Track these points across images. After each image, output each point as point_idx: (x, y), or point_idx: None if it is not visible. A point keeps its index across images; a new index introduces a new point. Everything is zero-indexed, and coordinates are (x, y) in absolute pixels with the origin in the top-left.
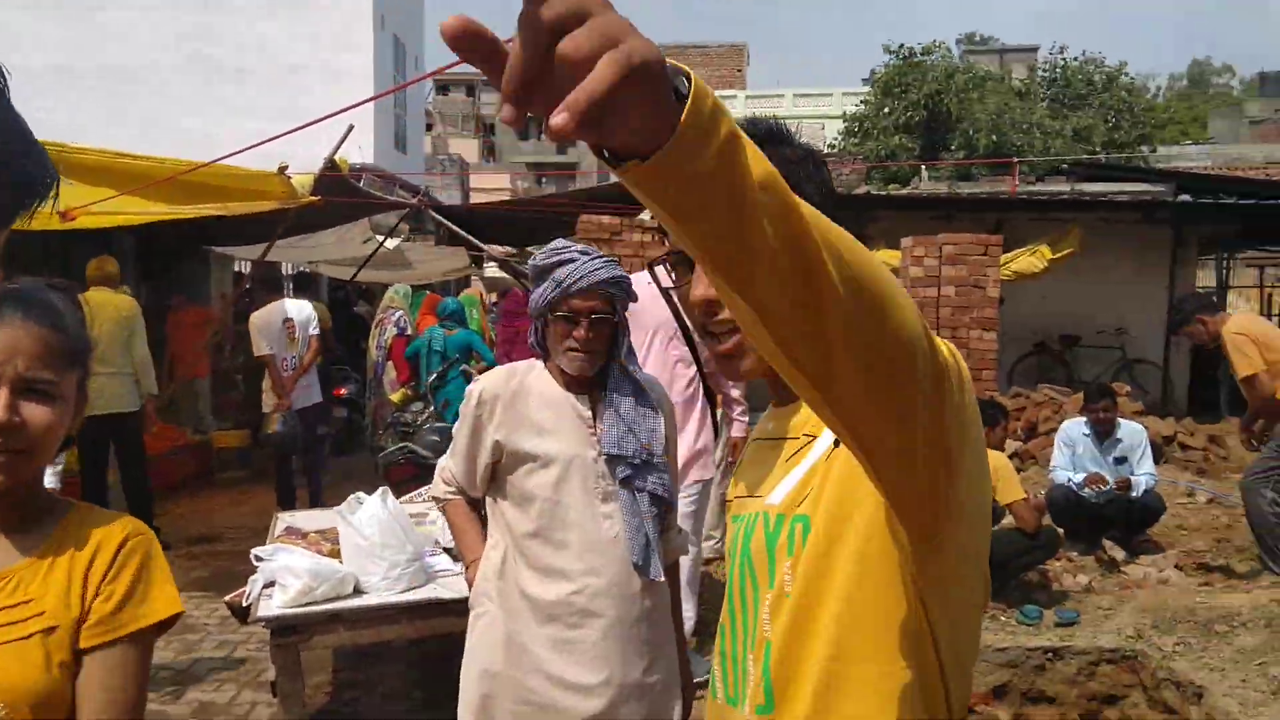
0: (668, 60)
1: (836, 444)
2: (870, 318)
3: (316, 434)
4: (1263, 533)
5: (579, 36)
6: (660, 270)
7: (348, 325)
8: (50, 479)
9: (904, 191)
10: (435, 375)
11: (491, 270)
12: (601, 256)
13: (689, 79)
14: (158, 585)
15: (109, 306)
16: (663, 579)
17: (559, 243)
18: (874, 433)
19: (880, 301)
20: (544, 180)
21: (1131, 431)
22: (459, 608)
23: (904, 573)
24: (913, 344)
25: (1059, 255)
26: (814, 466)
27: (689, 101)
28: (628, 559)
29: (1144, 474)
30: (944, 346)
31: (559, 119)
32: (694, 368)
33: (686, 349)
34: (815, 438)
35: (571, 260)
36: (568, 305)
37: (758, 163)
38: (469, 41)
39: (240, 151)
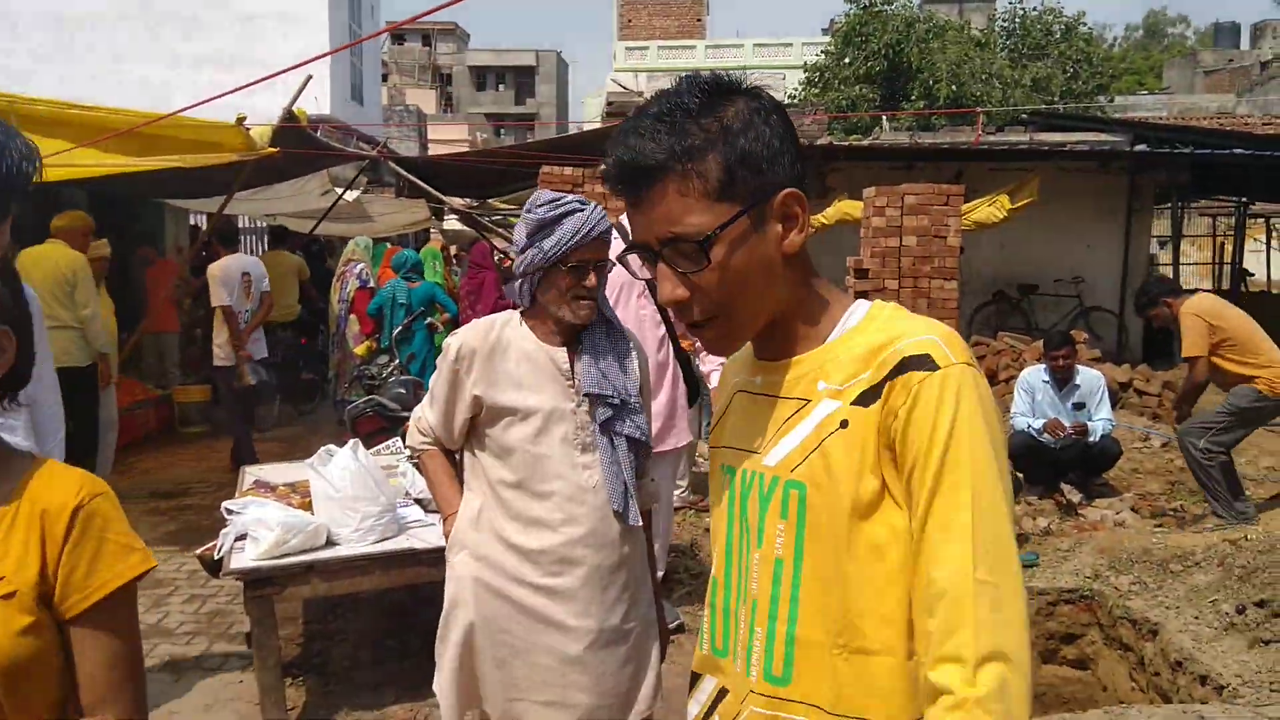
0: None
1: (844, 425)
2: None
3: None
4: (1201, 477)
5: None
6: (632, 259)
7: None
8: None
9: (865, 142)
10: (400, 328)
11: (450, 223)
12: (595, 204)
13: None
14: (124, 544)
15: (46, 260)
16: (640, 524)
17: (547, 194)
18: None
19: None
20: (503, 131)
21: (1089, 378)
22: (431, 558)
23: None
24: None
25: (1018, 205)
26: (812, 434)
27: None
28: (607, 507)
29: (1101, 419)
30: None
31: None
32: (663, 327)
33: (655, 307)
34: (808, 401)
35: (578, 210)
36: (579, 255)
37: None
38: None
39: (201, 104)
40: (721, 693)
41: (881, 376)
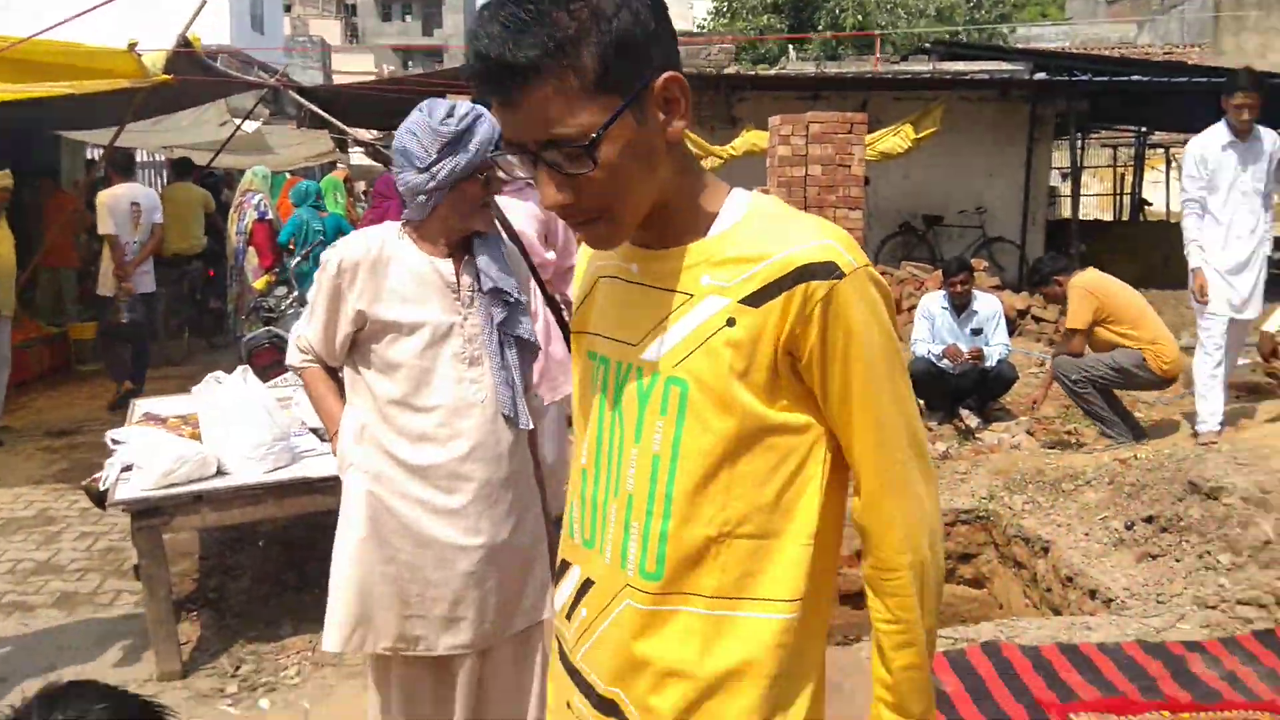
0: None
1: (730, 323)
2: None
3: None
4: (1081, 405)
5: None
6: (505, 160)
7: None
8: None
9: (772, 72)
10: (299, 258)
11: (359, 156)
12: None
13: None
14: None
15: None
16: (532, 426)
17: (440, 105)
18: None
19: None
20: (410, 63)
21: (987, 304)
22: (326, 487)
23: (810, 460)
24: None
25: (923, 134)
26: (695, 330)
27: None
28: (495, 421)
29: (998, 344)
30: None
31: None
32: (530, 277)
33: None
34: (691, 296)
35: (481, 115)
36: (489, 163)
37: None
38: None
39: (80, 15)
40: (587, 583)
41: (774, 278)
